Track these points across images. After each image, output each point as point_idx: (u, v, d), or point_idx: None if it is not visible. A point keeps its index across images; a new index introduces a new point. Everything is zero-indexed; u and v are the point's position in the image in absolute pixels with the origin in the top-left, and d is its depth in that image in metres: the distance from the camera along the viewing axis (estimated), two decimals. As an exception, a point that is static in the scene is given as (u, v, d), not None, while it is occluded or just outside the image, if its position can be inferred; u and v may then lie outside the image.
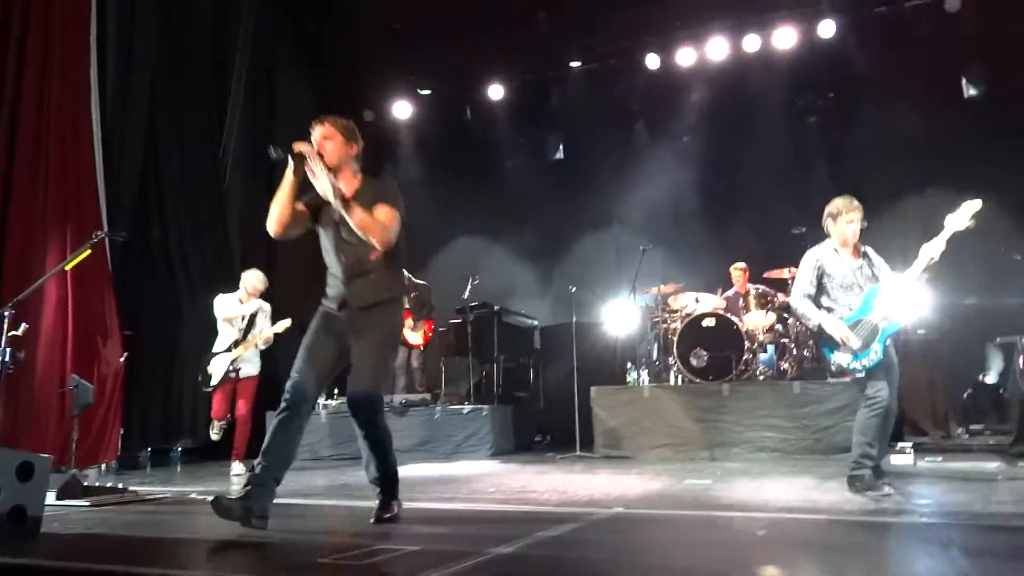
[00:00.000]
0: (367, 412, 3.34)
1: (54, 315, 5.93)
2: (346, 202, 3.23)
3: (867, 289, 4.16)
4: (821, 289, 4.26)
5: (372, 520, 3.34)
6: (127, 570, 2.35)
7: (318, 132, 3.37)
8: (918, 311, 4.22)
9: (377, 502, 3.46)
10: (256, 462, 3.22)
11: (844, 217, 4.20)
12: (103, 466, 6.21)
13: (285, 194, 3.29)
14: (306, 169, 3.23)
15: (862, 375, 4.06)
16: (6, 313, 4.40)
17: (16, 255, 5.77)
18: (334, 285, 3.46)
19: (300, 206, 3.38)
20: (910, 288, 4.03)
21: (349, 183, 3.39)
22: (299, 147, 3.25)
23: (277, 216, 3.31)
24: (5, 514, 3.08)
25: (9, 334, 4.40)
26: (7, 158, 5.83)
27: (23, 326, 4.54)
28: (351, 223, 3.24)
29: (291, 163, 3.24)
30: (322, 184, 3.21)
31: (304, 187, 3.33)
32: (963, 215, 3.93)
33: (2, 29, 5.91)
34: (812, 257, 4.29)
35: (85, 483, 4.60)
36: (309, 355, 3.32)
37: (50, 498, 4.04)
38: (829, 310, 4.19)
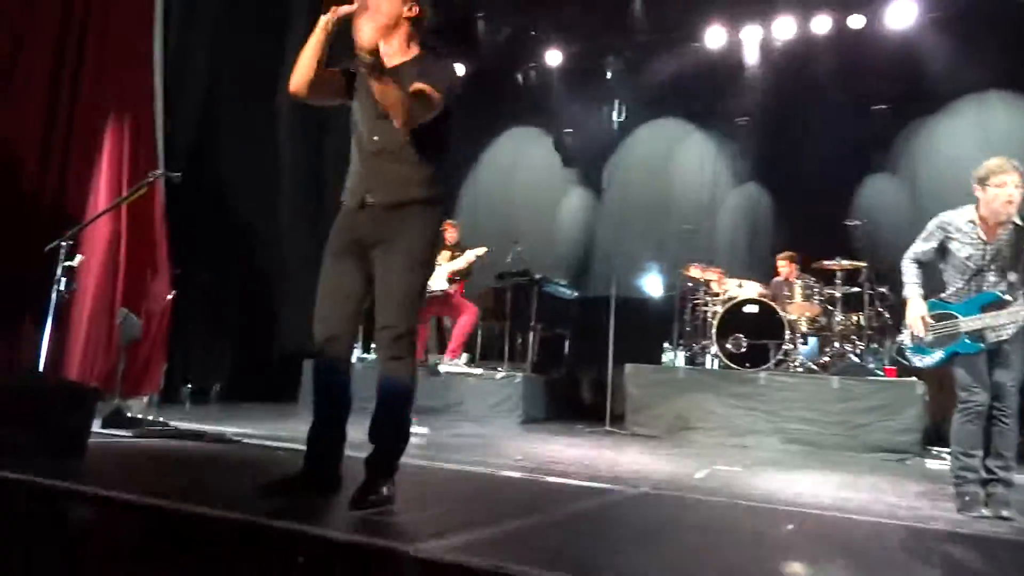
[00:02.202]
0: (396, 355, 2.75)
1: (106, 249, 6.06)
2: (377, 64, 2.57)
3: (995, 284, 3.47)
4: (947, 259, 3.64)
5: (349, 504, 2.58)
6: (168, 505, 2.43)
7: None
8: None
9: (364, 475, 2.70)
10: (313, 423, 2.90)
11: (994, 179, 3.45)
12: (145, 398, 6.40)
13: (314, 44, 2.78)
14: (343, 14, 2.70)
15: (916, 366, 3.69)
16: (63, 244, 4.52)
17: (75, 190, 5.90)
18: (356, 173, 2.87)
19: (336, 71, 2.89)
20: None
21: (400, 51, 2.85)
22: None
23: (303, 70, 2.78)
24: (55, 438, 3.21)
25: (64, 264, 4.52)
26: (70, 97, 5.92)
27: (79, 258, 4.66)
28: (372, 89, 2.63)
29: (324, 6, 2.72)
30: (364, 32, 2.56)
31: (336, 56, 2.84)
32: None
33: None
34: (939, 221, 3.65)
35: (129, 414, 4.75)
36: (330, 293, 2.83)
37: (95, 426, 4.20)
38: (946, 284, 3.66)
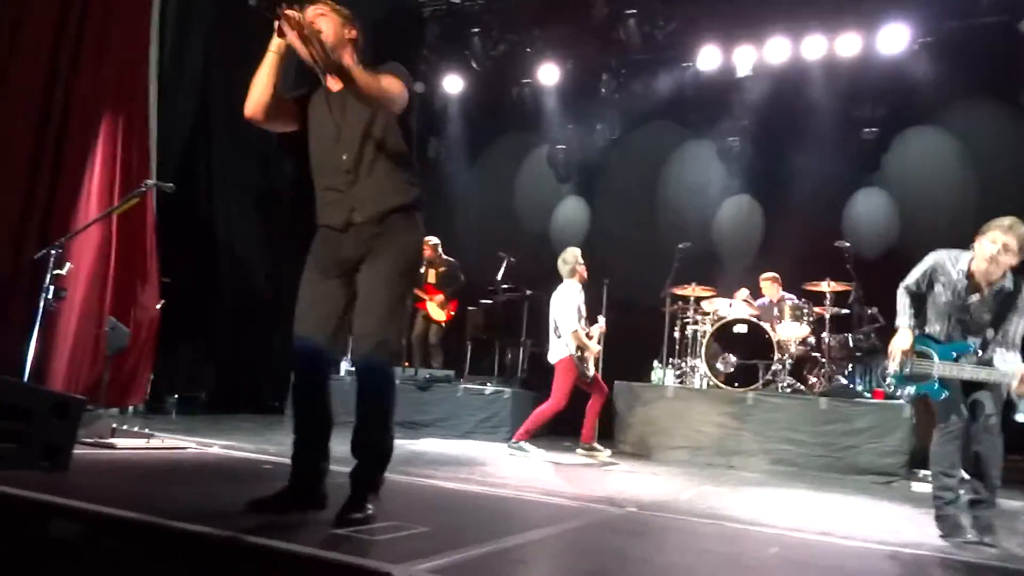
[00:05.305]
0: (374, 363, 2.75)
1: (96, 257, 6.04)
2: (340, 65, 2.64)
3: (966, 334, 3.53)
4: (931, 295, 3.68)
5: (334, 522, 2.59)
6: (152, 520, 2.41)
7: (311, 10, 2.84)
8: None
9: (349, 492, 2.72)
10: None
11: (989, 235, 3.48)
12: (130, 409, 6.36)
13: (267, 67, 2.81)
14: (292, 35, 2.65)
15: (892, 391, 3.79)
16: (53, 252, 4.49)
17: (65, 196, 5.87)
18: (332, 195, 2.88)
19: (287, 98, 2.96)
20: (991, 381, 3.44)
21: None
22: (287, 12, 2.69)
23: (257, 94, 2.82)
24: (38, 450, 3.18)
25: (54, 272, 4.49)
26: (64, 102, 5.91)
27: (68, 266, 4.63)
28: (355, 80, 2.62)
29: (276, 26, 2.70)
30: (312, 46, 2.62)
31: (296, 77, 2.91)
32: None
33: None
34: (934, 258, 3.66)
35: (114, 425, 4.71)
36: (313, 308, 2.83)
37: (79, 436, 4.15)
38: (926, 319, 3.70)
